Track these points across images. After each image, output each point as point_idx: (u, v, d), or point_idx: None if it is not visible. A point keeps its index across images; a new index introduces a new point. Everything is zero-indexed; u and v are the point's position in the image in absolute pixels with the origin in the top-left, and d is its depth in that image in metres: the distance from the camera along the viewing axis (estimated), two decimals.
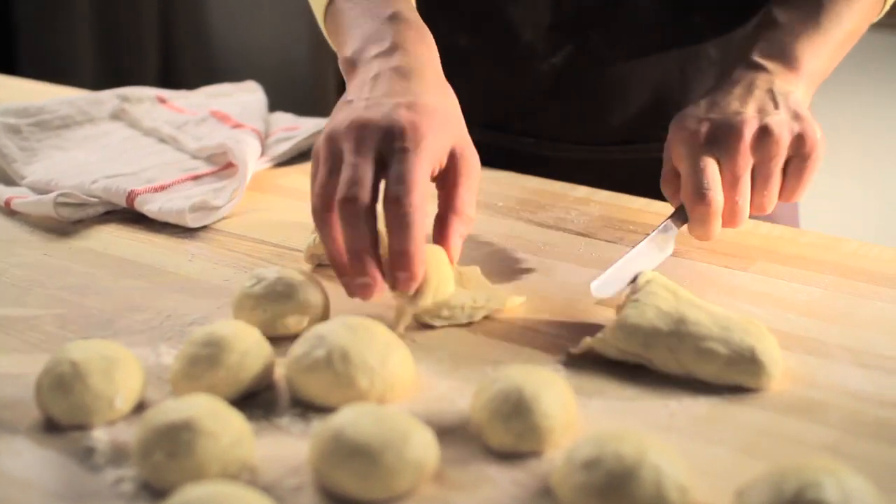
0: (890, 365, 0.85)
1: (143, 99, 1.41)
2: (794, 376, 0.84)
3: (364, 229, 0.86)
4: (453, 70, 1.27)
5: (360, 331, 0.80)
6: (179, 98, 1.43)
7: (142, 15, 3.45)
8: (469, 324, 0.91)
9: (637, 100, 1.27)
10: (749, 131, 0.99)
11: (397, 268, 0.86)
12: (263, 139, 1.28)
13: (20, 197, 1.14)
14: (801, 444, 0.76)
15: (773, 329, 0.88)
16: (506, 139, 1.31)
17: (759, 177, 1.00)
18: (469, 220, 0.92)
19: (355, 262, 0.86)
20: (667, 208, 1.16)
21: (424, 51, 0.99)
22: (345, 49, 1.03)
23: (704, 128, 1.01)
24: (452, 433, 0.76)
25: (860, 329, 0.91)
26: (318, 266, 1.02)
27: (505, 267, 1.02)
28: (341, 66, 1.03)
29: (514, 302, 0.93)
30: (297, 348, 0.80)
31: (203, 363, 0.79)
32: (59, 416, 0.77)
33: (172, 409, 0.72)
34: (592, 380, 0.83)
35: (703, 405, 0.80)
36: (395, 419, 0.71)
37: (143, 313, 0.93)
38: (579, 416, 0.77)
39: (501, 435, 0.73)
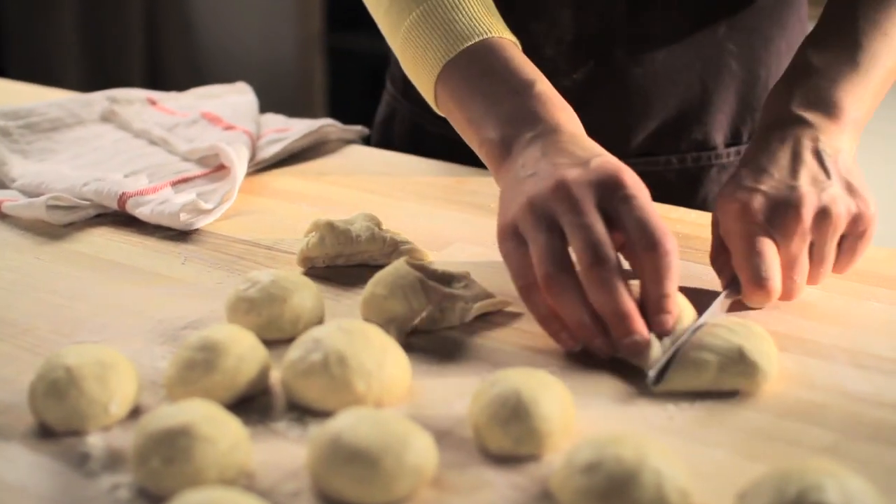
0: (887, 366, 0.85)
1: (133, 100, 1.40)
2: (791, 378, 0.83)
3: (624, 288, 0.83)
4: None
5: (356, 334, 0.80)
6: (169, 100, 1.43)
7: (128, 16, 3.44)
8: (462, 325, 0.91)
9: (659, 114, 1.25)
10: (808, 212, 0.93)
11: (658, 312, 0.84)
12: (255, 141, 1.27)
13: (11, 200, 1.13)
14: (799, 446, 0.75)
15: (770, 330, 0.87)
16: None
17: (815, 256, 0.95)
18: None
19: (622, 322, 0.83)
20: (659, 209, 1.15)
21: (577, 128, 0.96)
22: (486, 129, 0.97)
23: (758, 203, 0.94)
24: (450, 436, 0.76)
25: (857, 330, 0.91)
26: (312, 269, 1.01)
27: (497, 269, 1.01)
28: (484, 145, 0.98)
29: (506, 303, 0.93)
30: (294, 352, 0.80)
31: (199, 368, 0.78)
32: (54, 422, 0.76)
33: (169, 414, 0.71)
34: (588, 382, 0.83)
35: (700, 408, 0.80)
36: (394, 423, 0.70)
37: (136, 317, 0.93)
38: (577, 419, 0.77)
39: (500, 438, 0.73)
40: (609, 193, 0.86)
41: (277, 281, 0.89)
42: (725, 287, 0.96)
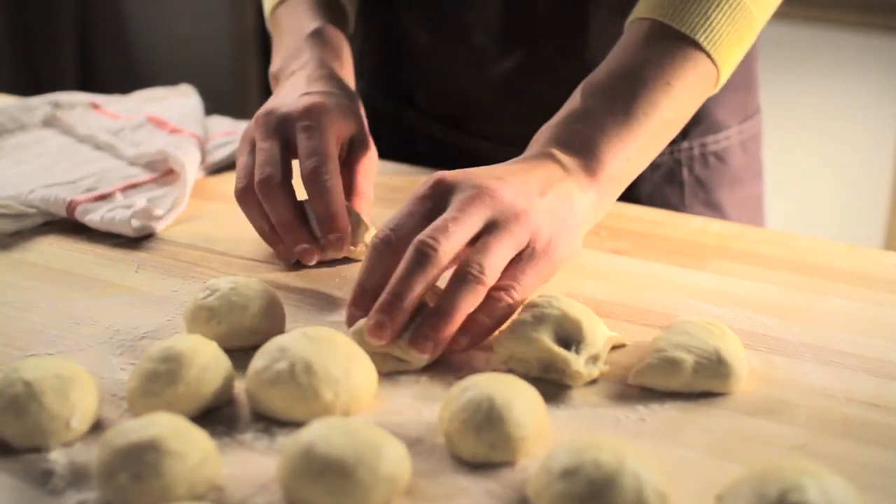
0: (853, 362, 0.85)
1: (76, 104, 1.37)
2: (759, 376, 0.83)
3: (285, 202, 0.98)
4: (414, 63, 1.29)
5: (321, 342, 0.78)
6: (113, 103, 1.40)
7: (58, 18, 3.39)
8: None
9: None
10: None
11: (328, 231, 0.98)
12: (203, 144, 1.25)
13: None
14: (772, 445, 0.75)
15: (734, 328, 0.87)
16: (464, 140, 1.30)
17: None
18: (370, 201, 1.05)
19: (287, 233, 0.99)
20: (614, 206, 1.15)
21: (337, 66, 1.10)
22: (273, 64, 1.14)
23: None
24: (421, 444, 0.75)
25: (820, 326, 0.91)
26: (271, 274, 0.99)
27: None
28: (270, 79, 1.14)
29: None
30: (258, 361, 0.78)
31: (162, 379, 0.77)
32: (14, 439, 0.74)
33: (135, 428, 0.69)
34: (557, 386, 0.82)
35: (671, 409, 0.79)
36: (367, 433, 0.69)
37: (91, 328, 0.91)
38: (548, 424, 0.76)
39: (473, 445, 0.72)
40: (292, 124, 1.01)
41: (237, 288, 0.87)
42: None
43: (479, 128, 1.29)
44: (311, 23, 1.13)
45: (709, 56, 1.00)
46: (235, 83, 3.50)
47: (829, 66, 2.70)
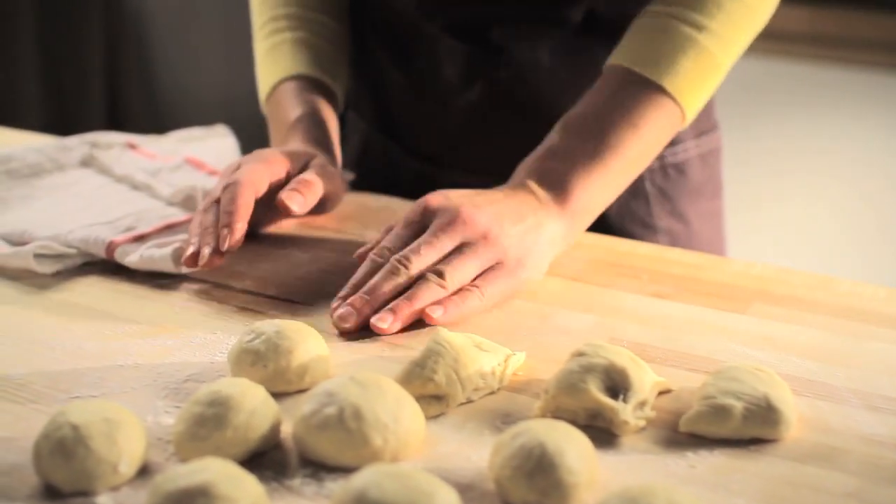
0: None
1: (113, 145, 1.38)
2: (807, 422, 0.83)
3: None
4: (392, 100, 1.32)
5: (370, 386, 0.78)
6: (150, 143, 1.40)
7: (87, 59, 3.41)
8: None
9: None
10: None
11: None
12: None
13: None
14: (823, 493, 0.74)
15: (780, 373, 0.87)
16: (440, 173, 1.31)
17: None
18: (315, 191, 1.11)
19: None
20: (654, 250, 1.15)
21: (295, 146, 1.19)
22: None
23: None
24: (471, 491, 0.74)
25: (865, 371, 0.90)
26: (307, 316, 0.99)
27: (502, 317, 1.00)
28: None
29: (522, 357, 0.91)
30: (307, 406, 0.78)
31: (209, 424, 0.76)
32: (61, 483, 0.74)
33: (185, 473, 0.69)
34: (605, 432, 0.81)
35: (720, 455, 0.78)
36: (418, 479, 0.68)
37: (134, 370, 0.90)
38: (598, 471, 0.76)
39: (525, 492, 0.71)
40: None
41: (282, 332, 0.87)
42: None
43: (450, 159, 1.32)
44: (294, 111, 1.23)
45: (673, 99, 1.11)
46: (261, 124, 3.50)
47: (825, 102, 2.73)
